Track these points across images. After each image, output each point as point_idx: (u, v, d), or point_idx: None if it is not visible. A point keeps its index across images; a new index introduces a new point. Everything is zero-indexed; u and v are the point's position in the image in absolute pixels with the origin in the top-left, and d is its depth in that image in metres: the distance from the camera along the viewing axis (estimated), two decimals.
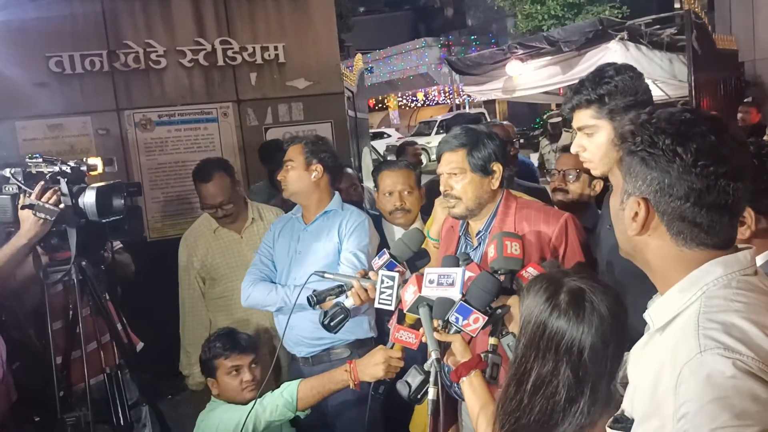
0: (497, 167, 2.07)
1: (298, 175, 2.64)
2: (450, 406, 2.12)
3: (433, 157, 2.42)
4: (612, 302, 1.28)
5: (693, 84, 4.89)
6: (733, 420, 0.96)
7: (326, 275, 2.02)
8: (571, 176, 2.71)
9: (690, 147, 1.07)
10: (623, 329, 1.28)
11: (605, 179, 2.51)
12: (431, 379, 1.57)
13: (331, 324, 1.93)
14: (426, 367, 1.62)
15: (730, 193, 1.07)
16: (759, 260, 1.33)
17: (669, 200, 1.09)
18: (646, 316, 1.19)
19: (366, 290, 1.94)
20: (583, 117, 1.83)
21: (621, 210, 1.18)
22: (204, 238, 3.19)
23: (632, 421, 1.15)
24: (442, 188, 2.09)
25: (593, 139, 1.82)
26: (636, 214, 1.13)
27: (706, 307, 1.08)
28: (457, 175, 2.04)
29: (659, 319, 1.15)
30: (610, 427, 1.19)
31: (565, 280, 1.32)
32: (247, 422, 2.12)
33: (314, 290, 1.99)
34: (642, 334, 1.33)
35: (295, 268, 2.63)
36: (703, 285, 1.10)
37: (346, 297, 1.97)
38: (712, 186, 1.06)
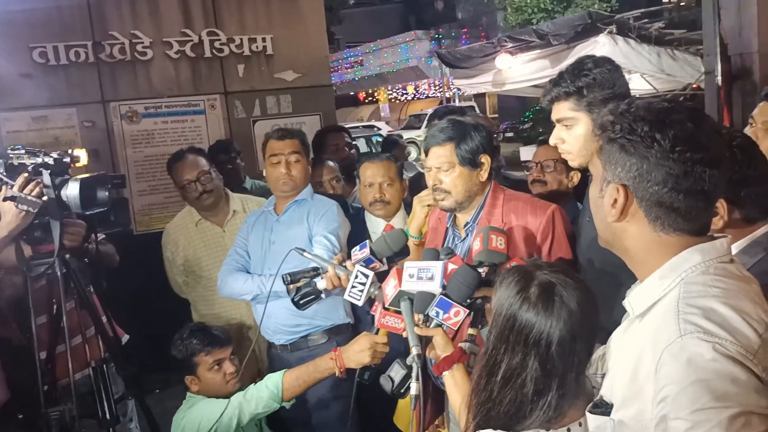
0: (485, 159, 2.07)
1: (305, 168, 2.74)
2: (437, 396, 2.12)
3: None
4: (582, 297, 1.29)
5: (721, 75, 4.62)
6: (713, 402, 0.98)
7: (305, 254, 2.02)
8: (548, 168, 2.74)
9: (668, 133, 1.09)
10: (592, 324, 1.30)
11: (582, 170, 2.53)
12: (413, 375, 1.57)
13: (300, 302, 1.93)
14: (408, 361, 1.62)
15: (707, 180, 1.09)
16: (733, 250, 1.35)
17: (647, 186, 1.11)
18: (626, 303, 1.20)
19: (339, 278, 1.95)
20: (562, 109, 1.84)
21: (600, 197, 1.20)
22: (186, 232, 3.17)
23: (611, 405, 1.16)
24: (431, 182, 2.08)
25: (572, 131, 1.83)
26: (615, 200, 1.15)
27: (686, 292, 1.09)
28: (446, 169, 2.04)
29: (639, 306, 1.17)
30: (590, 412, 1.21)
31: (537, 273, 1.34)
32: (232, 416, 2.11)
33: (289, 271, 2.00)
34: (620, 320, 1.35)
35: (269, 258, 2.66)
36: (682, 271, 1.12)
37: (321, 278, 1.97)
38: (689, 172, 1.08)
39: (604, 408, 1.18)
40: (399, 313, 1.76)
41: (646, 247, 1.16)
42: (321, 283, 1.97)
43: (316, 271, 2.00)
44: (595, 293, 1.35)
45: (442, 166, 2.04)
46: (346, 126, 5.64)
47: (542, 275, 1.32)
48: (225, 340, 2.44)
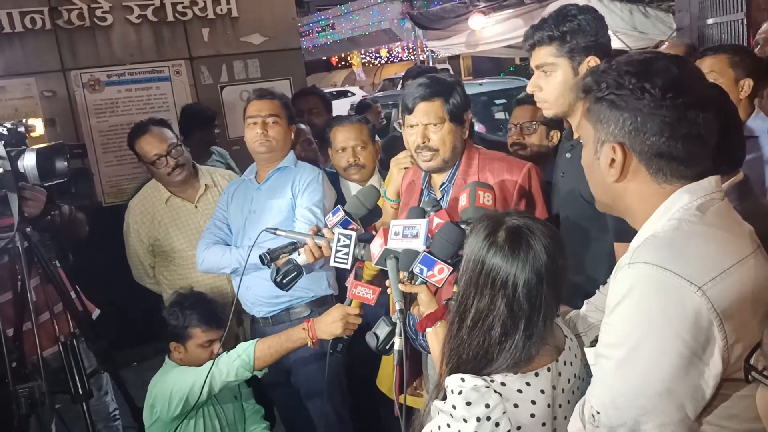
0: (467, 116, 2.05)
1: (285, 132, 2.59)
2: (414, 358, 2.12)
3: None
4: (549, 241, 1.31)
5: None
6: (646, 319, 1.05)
7: (278, 232, 1.97)
8: (528, 130, 2.69)
9: (656, 81, 1.09)
10: (559, 268, 1.32)
11: (562, 129, 2.50)
12: (396, 330, 1.59)
13: (284, 281, 1.90)
14: (393, 318, 1.63)
15: (701, 123, 1.09)
16: None
17: (644, 138, 1.11)
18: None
19: (320, 248, 1.90)
20: (543, 54, 1.81)
21: (596, 160, 1.19)
22: (153, 210, 2.94)
23: None
24: (418, 140, 2.00)
25: (550, 79, 1.81)
26: (612, 160, 1.15)
27: (660, 228, 1.12)
28: (435, 125, 1.99)
29: None
30: (590, 346, 1.24)
31: (506, 219, 1.36)
32: (203, 385, 2.09)
33: (268, 248, 1.94)
34: (594, 274, 1.34)
35: (250, 229, 2.56)
36: (669, 214, 1.13)
37: (299, 254, 1.92)
38: (683, 117, 1.09)
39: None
40: (371, 282, 1.77)
41: (650, 200, 1.16)
42: (301, 258, 1.92)
43: (294, 246, 1.95)
44: (566, 245, 1.36)
45: (431, 121, 1.98)
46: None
47: (511, 220, 1.35)
48: (222, 322, 2.36)
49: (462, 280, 1.37)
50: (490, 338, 1.30)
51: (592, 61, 1.75)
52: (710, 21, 4.76)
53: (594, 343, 1.23)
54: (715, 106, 1.12)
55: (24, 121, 2.26)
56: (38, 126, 2.26)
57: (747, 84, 2.38)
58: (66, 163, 2.24)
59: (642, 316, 1.05)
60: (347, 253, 1.77)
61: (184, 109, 4.12)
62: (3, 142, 2.14)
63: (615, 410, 1.09)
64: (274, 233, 1.97)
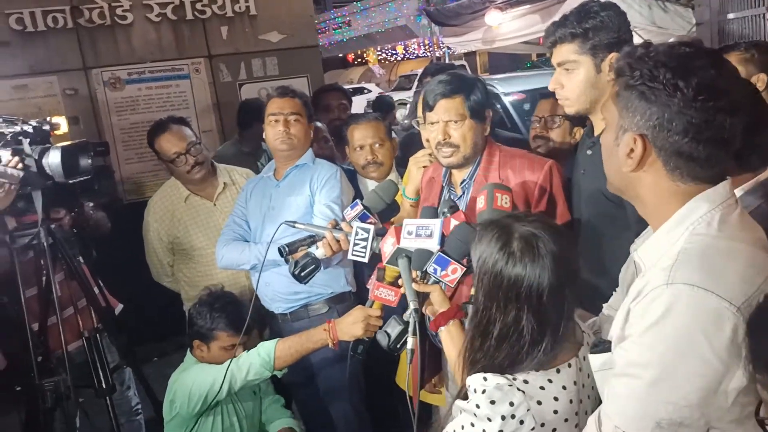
0: (488, 113, 2.05)
1: (305, 130, 2.62)
2: (433, 355, 2.12)
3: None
4: (563, 243, 1.30)
5: None
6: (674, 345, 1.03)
7: (297, 225, 1.98)
8: (553, 124, 2.66)
9: (691, 81, 1.06)
10: (575, 267, 1.31)
11: (584, 126, 2.48)
12: (410, 330, 1.58)
13: (302, 274, 1.91)
14: (405, 317, 1.62)
15: (727, 128, 1.07)
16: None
17: (667, 135, 1.09)
18: (637, 258, 1.20)
19: (338, 241, 1.91)
20: (565, 52, 1.79)
21: (615, 146, 1.17)
22: (173, 209, 2.96)
23: (610, 342, 1.18)
24: (439, 137, 2.00)
25: (572, 76, 1.79)
26: (632, 150, 1.13)
27: (687, 243, 1.09)
28: (456, 122, 1.98)
29: (650, 261, 1.16)
30: (592, 353, 1.23)
31: (516, 225, 1.33)
32: (224, 383, 2.09)
33: (287, 242, 1.96)
34: (615, 273, 1.36)
35: (268, 225, 2.57)
36: (689, 224, 1.11)
37: (317, 248, 1.93)
38: (711, 121, 1.06)
39: (603, 345, 1.20)
40: (392, 284, 1.76)
41: (662, 196, 1.14)
42: (319, 252, 1.93)
43: (313, 239, 1.96)
44: (590, 245, 1.35)
45: (452, 118, 1.98)
46: None
47: (521, 227, 1.32)
48: (248, 329, 2.28)
49: (480, 293, 1.34)
50: (520, 347, 1.28)
51: (615, 58, 1.74)
52: (731, 16, 4.70)
53: (595, 349, 1.22)
54: (745, 111, 1.10)
55: (48, 119, 2.29)
56: (62, 124, 2.30)
57: (761, 79, 2.35)
58: (90, 161, 2.27)
59: (682, 336, 1.03)
60: (365, 247, 1.78)
61: (242, 104, 4.26)
62: (29, 140, 2.18)
63: (642, 427, 1.07)
64: (293, 226, 1.98)
